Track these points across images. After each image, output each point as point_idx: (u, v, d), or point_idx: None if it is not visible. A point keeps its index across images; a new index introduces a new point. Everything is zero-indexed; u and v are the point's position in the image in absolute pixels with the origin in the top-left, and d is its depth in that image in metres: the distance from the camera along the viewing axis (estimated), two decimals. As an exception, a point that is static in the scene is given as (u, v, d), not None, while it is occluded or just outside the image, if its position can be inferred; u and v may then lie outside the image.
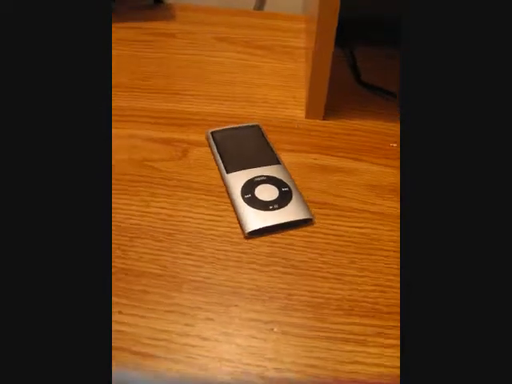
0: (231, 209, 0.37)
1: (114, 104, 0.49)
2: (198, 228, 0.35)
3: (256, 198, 0.37)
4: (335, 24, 0.40)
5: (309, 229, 0.36)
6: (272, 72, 0.55)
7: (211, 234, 0.35)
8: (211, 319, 0.30)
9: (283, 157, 0.42)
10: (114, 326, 0.29)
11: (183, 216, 0.36)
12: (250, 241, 0.35)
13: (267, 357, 0.28)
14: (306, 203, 0.37)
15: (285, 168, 0.40)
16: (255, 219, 0.35)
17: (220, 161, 0.41)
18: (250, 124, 0.46)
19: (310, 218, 0.36)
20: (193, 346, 0.29)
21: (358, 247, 0.34)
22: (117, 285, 0.32)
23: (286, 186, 0.38)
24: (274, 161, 0.41)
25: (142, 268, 0.33)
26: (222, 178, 0.40)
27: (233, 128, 0.45)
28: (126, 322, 0.30)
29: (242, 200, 0.37)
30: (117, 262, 0.33)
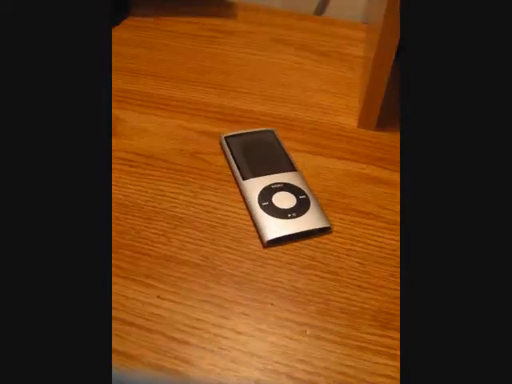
0: (275, 209, 0.37)
1: (169, 94, 0.50)
2: (242, 224, 0.36)
3: (274, 205, 0.36)
4: (398, 36, 0.40)
5: (351, 237, 0.36)
6: (327, 78, 0.55)
7: (254, 231, 0.35)
8: (247, 314, 0.30)
9: (331, 163, 0.42)
10: (152, 310, 0.30)
11: (228, 210, 0.37)
12: (291, 242, 0.35)
13: (298, 358, 0.28)
14: (323, 211, 0.37)
15: (301, 175, 0.40)
16: (274, 228, 0.35)
17: (235, 167, 0.40)
18: (265, 129, 0.45)
19: (329, 226, 0.36)
20: (226, 338, 0.29)
21: (399, 262, 0.34)
22: (158, 270, 0.33)
23: (303, 193, 0.38)
24: (291, 167, 0.40)
25: (184, 256, 0.34)
26: (238, 185, 0.39)
27: (247, 133, 0.44)
28: (163, 307, 0.31)
29: (259, 207, 0.36)
30: (160, 248, 0.34)
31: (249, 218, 0.36)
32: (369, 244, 0.35)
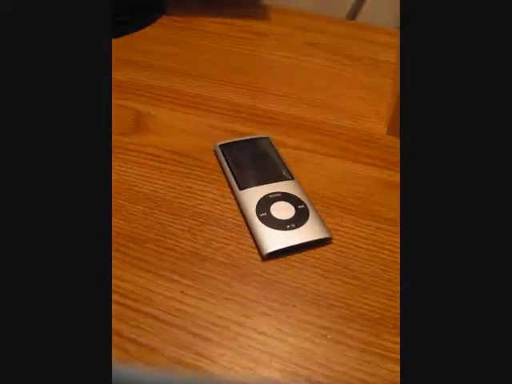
0: (301, 211, 0.37)
1: (201, 93, 0.51)
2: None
3: (272, 216, 0.36)
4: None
5: (376, 243, 0.35)
6: (358, 83, 0.54)
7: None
8: (268, 315, 0.30)
9: (359, 168, 0.42)
10: (175, 305, 0.31)
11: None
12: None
13: (317, 361, 0.28)
14: (323, 221, 0.36)
15: (298, 183, 0.39)
16: (273, 240, 0.34)
17: (232, 177, 0.39)
18: (260, 136, 0.44)
19: (329, 236, 0.35)
20: (247, 337, 0.29)
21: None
22: (182, 265, 0.33)
23: (301, 203, 0.37)
24: (288, 176, 0.39)
25: (208, 254, 0.34)
26: (234, 194, 0.38)
27: (242, 140, 0.43)
28: (186, 303, 0.31)
29: (257, 219, 0.35)
30: (185, 244, 0.34)
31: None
32: (394, 252, 0.35)
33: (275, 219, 0.35)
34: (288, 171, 0.40)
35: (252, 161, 0.41)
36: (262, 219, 0.35)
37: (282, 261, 0.34)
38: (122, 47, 0.60)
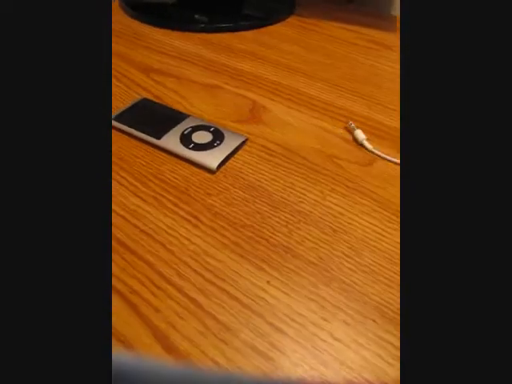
0: (398, 228, 0.37)
1: (318, 95, 0.51)
2: (364, 235, 0.36)
3: (198, 144, 0.42)
4: None
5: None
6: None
7: (374, 246, 0.35)
8: (347, 323, 0.31)
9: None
10: (259, 293, 0.32)
11: (353, 219, 0.37)
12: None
13: (386, 381, 0.28)
14: (234, 131, 0.45)
15: (195, 116, 0.46)
16: (213, 156, 0.41)
17: (143, 133, 0.44)
18: (140, 98, 0.49)
19: (246, 138, 0.44)
20: (322, 340, 0.30)
21: None
22: (274, 258, 0.34)
23: (210, 127, 0.44)
24: (185, 115, 0.46)
25: (300, 251, 0.34)
26: (155, 146, 0.43)
27: (128, 108, 0.48)
28: (269, 293, 0.32)
29: (190, 150, 0.42)
30: (280, 238, 0.35)
31: (371, 231, 0.36)
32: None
33: (202, 144, 0.43)
34: (181, 112, 0.47)
35: (150, 117, 0.47)
36: (192, 149, 0.42)
37: (370, 273, 0.33)
38: (248, 40, 0.62)
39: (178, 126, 0.45)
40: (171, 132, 0.44)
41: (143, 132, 0.44)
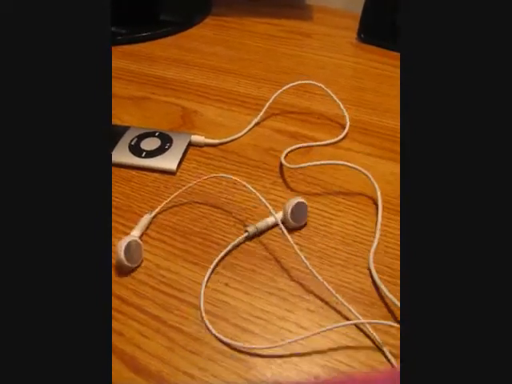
0: (344, 209, 0.37)
1: (246, 92, 0.52)
2: (313, 222, 0.37)
3: (150, 150, 0.42)
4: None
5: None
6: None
7: (324, 231, 0.36)
8: (311, 310, 0.31)
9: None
10: (219, 297, 0.31)
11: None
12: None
13: (360, 359, 0.29)
14: (179, 132, 0.45)
15: (134, 126, 0.46)
16: (169, 159, 0.41)
17: None
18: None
19: (192, 134, 0.44)
20: (289, 332, 0.30)
21: None
22: (227, 259, 0.34)
23: (155, 132, 0.44)
24: (125, 127, 0.45)
25: (253, 248, 0.35)
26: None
27: None
28: (230, 295, 0.32)
29: (144, 159, 0.42)
30: (231, 238, 0.35)
31: (320, 216, 0.37)
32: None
33: (153, 150, 0.43)
34: (119, 125, 0.46)
35: None
36: (146, 157, 0.42)
37: (324, 257, 0.34)
38: (169, 47, 0.61)
39: (123, 138, 0.44)
40: (118, 146, 0.43)
41: None
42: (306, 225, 0.36)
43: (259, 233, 0.35)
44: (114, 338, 0.29)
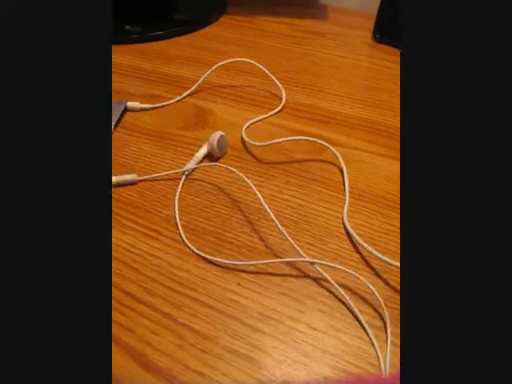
0: (364, 212, 0.37)
1: (257, 91, 0.51)
2: (325, 223, 0.36)
3: None
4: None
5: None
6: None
7: (337, 231, 0.36)
8: (323, 311, 0.31)
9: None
10: (231, 296, 0.31)
11: (312, 208, 0.38)
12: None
13: (369, 361, 0.28)
14: None
15: None
16: None
17: None
18: None
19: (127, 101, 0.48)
20: (300, 332, 0.30)
21: None
22: (240, 259, 0.34)
23: None
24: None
25: (265, 248, 0.34)
26: None
27: None
28: (241, 294, 0.32)
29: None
30: (243, 238, 0.35)
31: (331, 218, 0.37)
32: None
33: None
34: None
35: None
36: None
37: (337, 258, 0.34)
38: (183, 45, 0.61)
39: None
40: None
41: None
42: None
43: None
44: (124, 335, 0.29)
